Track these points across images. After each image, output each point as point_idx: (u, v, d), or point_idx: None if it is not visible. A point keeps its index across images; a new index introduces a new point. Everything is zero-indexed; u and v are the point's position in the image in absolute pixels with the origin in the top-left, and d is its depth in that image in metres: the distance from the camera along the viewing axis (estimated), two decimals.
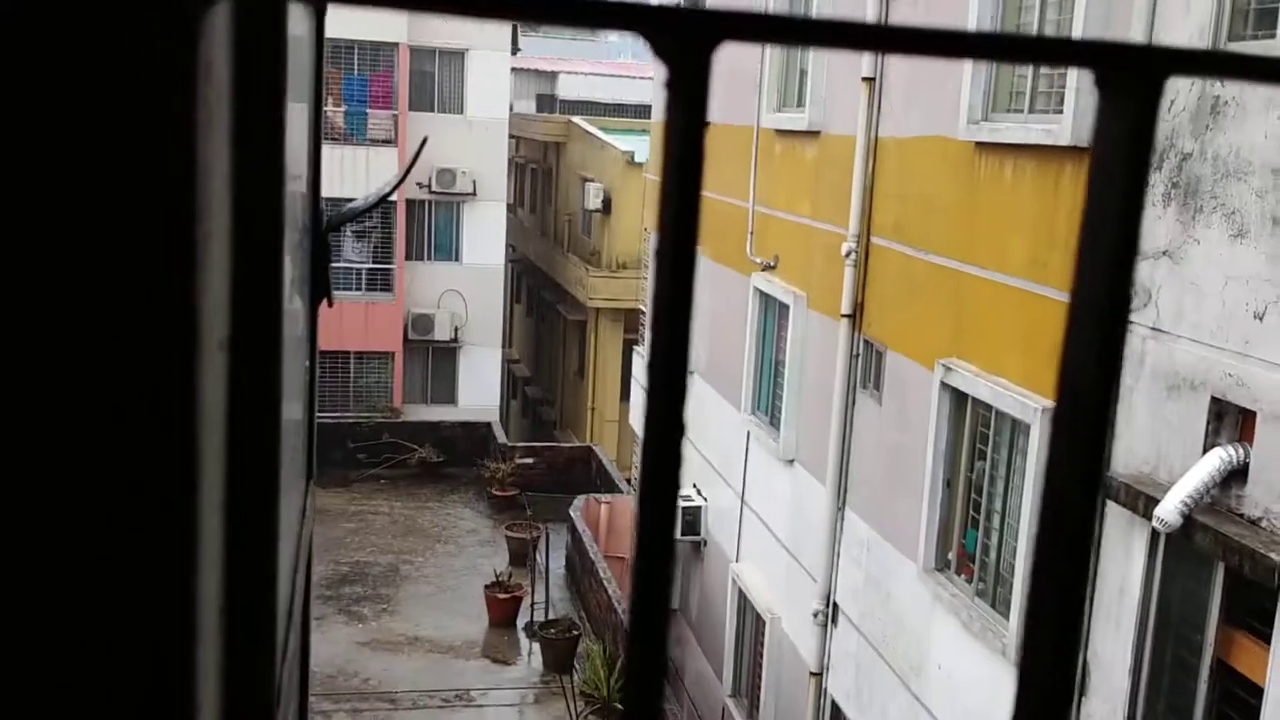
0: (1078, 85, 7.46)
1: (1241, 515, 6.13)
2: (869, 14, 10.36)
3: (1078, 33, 7.46)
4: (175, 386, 0.51)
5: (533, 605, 17.21)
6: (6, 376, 0.48)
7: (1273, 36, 6.17)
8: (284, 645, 1.43)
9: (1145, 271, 6.85)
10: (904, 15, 10.07)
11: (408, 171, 2.75)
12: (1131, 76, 0.46)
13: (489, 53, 26.29)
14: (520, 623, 17.39)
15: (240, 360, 0.62)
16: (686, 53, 0.41)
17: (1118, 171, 0.46)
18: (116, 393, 0.50)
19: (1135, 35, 6.93)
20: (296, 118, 1.50)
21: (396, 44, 25.33)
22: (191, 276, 0.47)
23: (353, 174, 23.79)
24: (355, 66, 25.38)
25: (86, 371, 0.50)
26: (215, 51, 0.49)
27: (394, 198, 25.08)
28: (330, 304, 1.80)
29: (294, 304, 1.34)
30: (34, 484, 0.52)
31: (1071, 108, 7.50)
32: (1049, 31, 8.11)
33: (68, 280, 0.48)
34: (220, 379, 0.60)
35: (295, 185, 1.38)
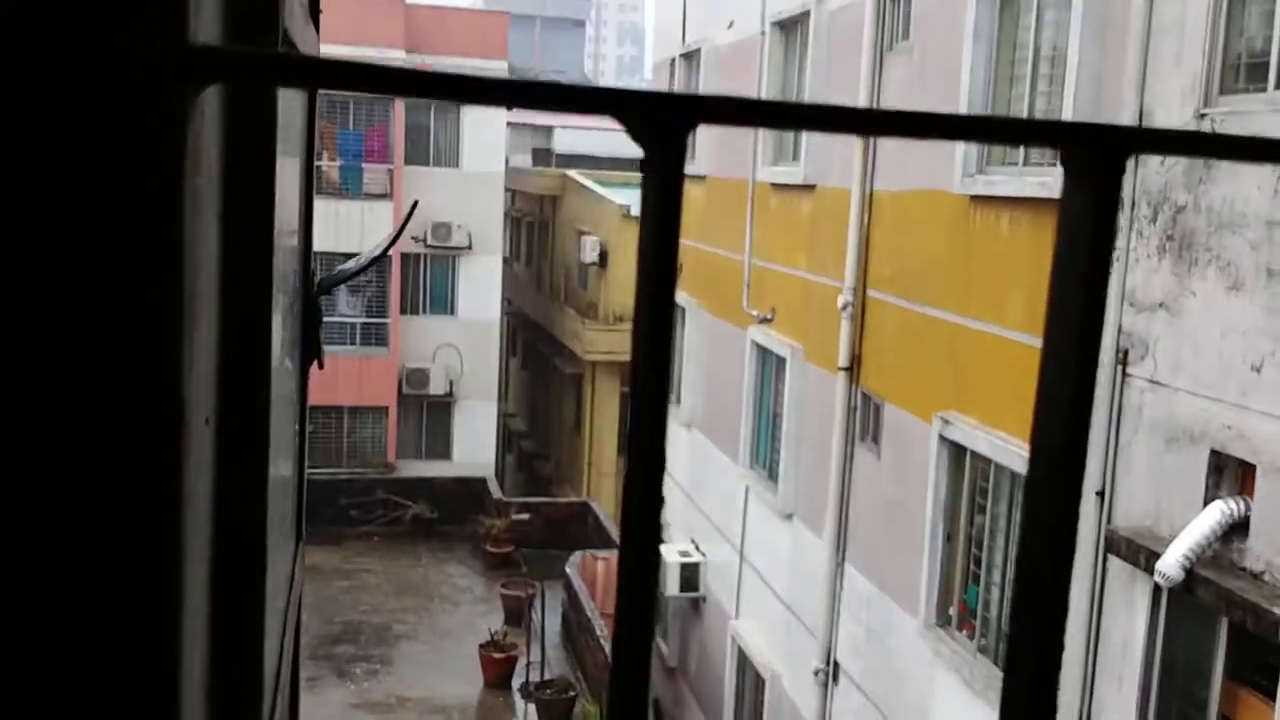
0: None
1: (1244, 569, 6.08)
2: (862, 80, 10.46)
3: (1070, 88, 7.53)
4: (159, 463, 0.50)
5: (528, 665, 17.00)
6: None
7: (1264, 90, 6.22)
8: (271, 711, 1.38)
9: (1142, 324, 6.85)
10: (899, 73, 10.17)
11: (398, 234, 2.75)
12: (1094, 155, 0.46)
13: (484, 107, 26.51)
14: (515, 683, 17.17)
15: (227, 435, 0.59)
16: (661, 135, 0.42)
17: (1082, 247, 0.47)
18: (103, 468, 0.50)
19: (1127, 89, 6.99)
20: (288, 173, 1.49)
21: (392, 99, 25.56)
22: (177, 359, 0.45)
23: (348, 228, 23.88)
24: (351, 121, 25.59)
25: (73, 449, 0.49)
26: (206, 136, 0.47)
27: (389, 252, 25.18)
28: (321, 366, 1.78)
29: (284, 366, 1.32)
30: (19, 555, 0.51)
31: None
32: (1043, 85, 8.18)
33: (54, 362, 0.47)
34: (207, 452, 0.57)
35: (286, 245, 1.36)
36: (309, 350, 1.69)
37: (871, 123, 0.47)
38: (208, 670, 0.71)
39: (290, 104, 1.42)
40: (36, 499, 0.49)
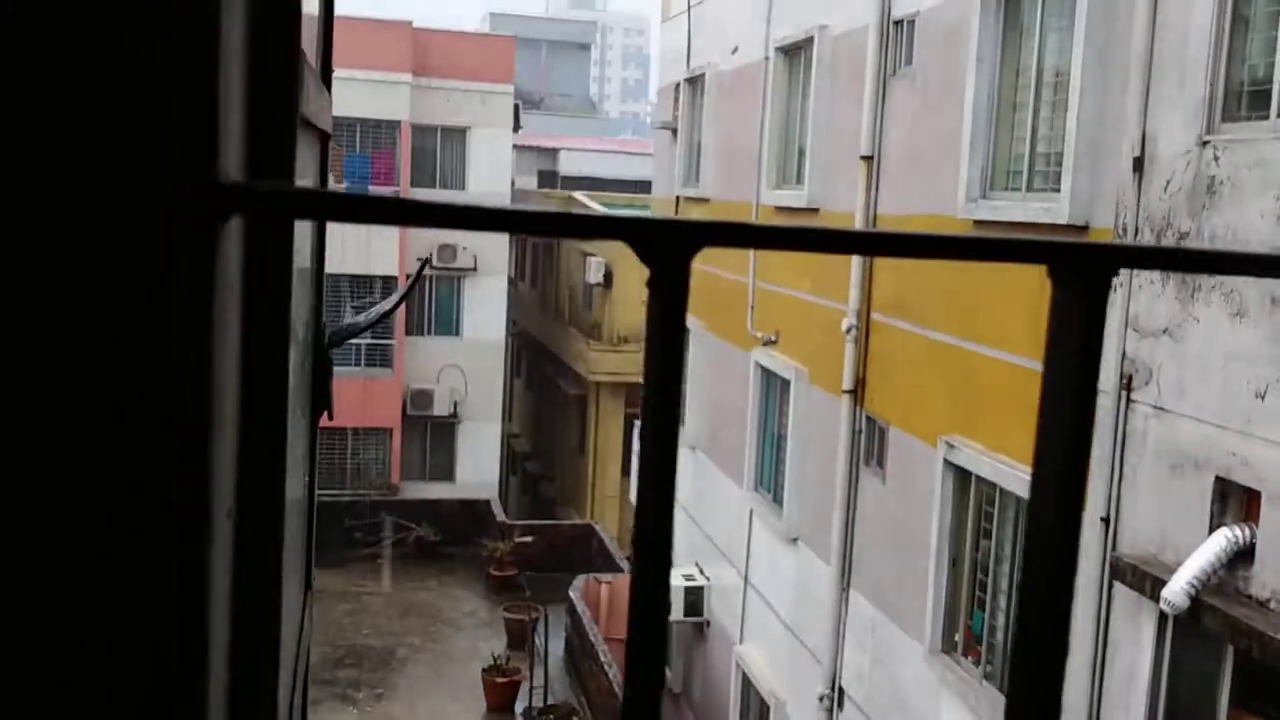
0: (1075, 164, 7.54)
1: (1249, 597, 6.07)
2: (865, 105, 10.49)
3: (1073, 114, 7.56)
4: (187, 558, 0.52)
5: (531, 689, 16.94)
6: (30, 564, 0.49)
7: (1266, 118, 6.24)
8: None
9: (1146, 349, 6.86)
10: (902, 98, 10.22)
11: (409, 290, 2.80)
12: (1082, 271, 0.49)
13: (491, 130, 26.65)
14: (519, 708, 17.11)
15: (245, 526, 0.61)
16: (667, 259, 0.44)
17: (1072, 358, 0.48)
18: (130, 568, 0.51)
19: (1130, 116, 7.01)
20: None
21: (399, 121, 25.68)
22: (206, 462, 0.47)
23: (354, 251, 23.96)
24: (358, 144, 25.71)
25: (103, 548, 0.52)
26: (230, 257, 0.50)
27: (394, 273, 25.24)
28: (330, 417, 1.80)
29: (295, 423, 1.34)
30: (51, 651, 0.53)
31: (1069, 186, 7.58)
32: (1045, 111, 8.22)
33: (91, 466, 0.49)
34: (227, 546, 0.59)
35: (300, 295, 1.38)
36: (319, 402, 1.71)
37: (873, 244, 0.49)
38: None
39: (306, 149, 1.45)
40: (66, 585, 0.51)
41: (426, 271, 26.12)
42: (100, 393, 0.47)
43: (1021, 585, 0.52)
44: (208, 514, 0.50)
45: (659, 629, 0.50)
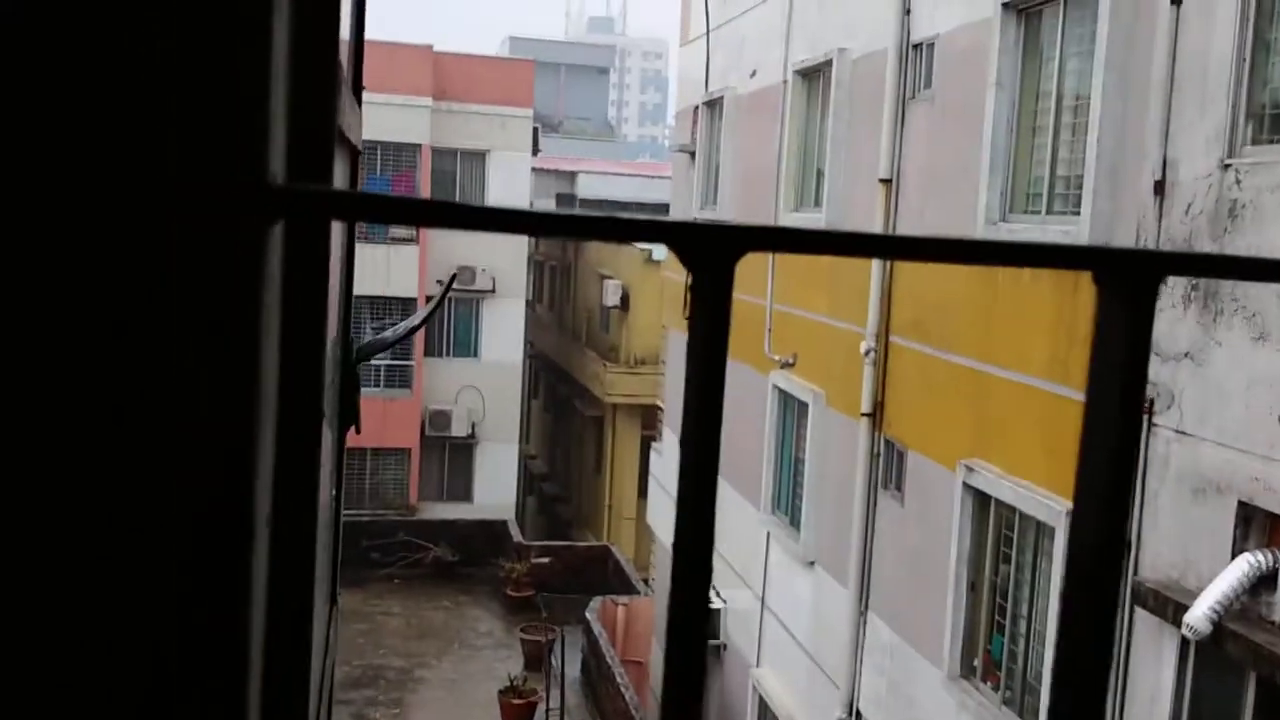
0: (1095, 188, 7.52)
1: (1272, 623, 6.01)
2: (884, 128, 10.51)
3: (1093, 137, 7.54)
4: (231, 566, 0.52)
5: (548, 711, 16.89)
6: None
7: None
8: None
9: (1168, 373, 6.82)
10: (921, 121, 10.23)
11: (437, 305, 2.80)
12: (1128, 279, 0.48)
13: (510, 153, 26.80)
14: None
15: (280, 533, 0.62)
16: (711, 262, 0.45)
17: (1118, 365, 0.48)
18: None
19: (1150, 140, 7.00)
20: (333, 239, 1.52)
21: (419, 145, 25.85)
22: (252, 469, 0.47)
23: (373, 272, 24.07)
24: (378, 166, 25.88)
25: (155, 552, 0.52)
26: (272, 257, 0.51)
27: (413, 294, 25.34)
28: (358, 431, 1.81)
29: (325, 435, 1.35)
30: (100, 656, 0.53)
31: (1089, 209, 7.56)
32: (1065, 135, 8.21)
33: (144, 468, 0.50)
34: (264, 552, 0.60)
35: (330, 317, 1.39)
36: (347, 417, 1.72)
37: (920, 249, 0.49)
38: None
39: (339, 162, 1.46)
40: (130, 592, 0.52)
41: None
42: (150, 395, 0.47)
43: (1064, 594, 0.52)
44: (251, 520, 0.51)
45: (699, 645, 0.50)
